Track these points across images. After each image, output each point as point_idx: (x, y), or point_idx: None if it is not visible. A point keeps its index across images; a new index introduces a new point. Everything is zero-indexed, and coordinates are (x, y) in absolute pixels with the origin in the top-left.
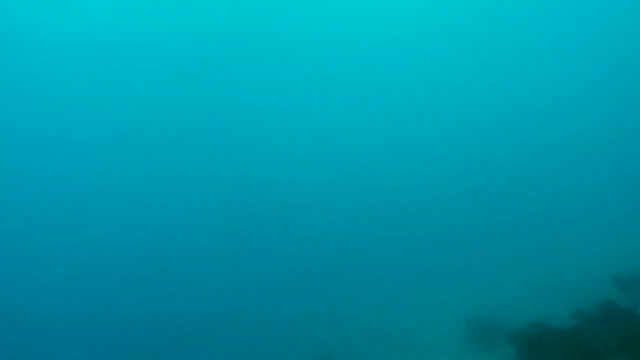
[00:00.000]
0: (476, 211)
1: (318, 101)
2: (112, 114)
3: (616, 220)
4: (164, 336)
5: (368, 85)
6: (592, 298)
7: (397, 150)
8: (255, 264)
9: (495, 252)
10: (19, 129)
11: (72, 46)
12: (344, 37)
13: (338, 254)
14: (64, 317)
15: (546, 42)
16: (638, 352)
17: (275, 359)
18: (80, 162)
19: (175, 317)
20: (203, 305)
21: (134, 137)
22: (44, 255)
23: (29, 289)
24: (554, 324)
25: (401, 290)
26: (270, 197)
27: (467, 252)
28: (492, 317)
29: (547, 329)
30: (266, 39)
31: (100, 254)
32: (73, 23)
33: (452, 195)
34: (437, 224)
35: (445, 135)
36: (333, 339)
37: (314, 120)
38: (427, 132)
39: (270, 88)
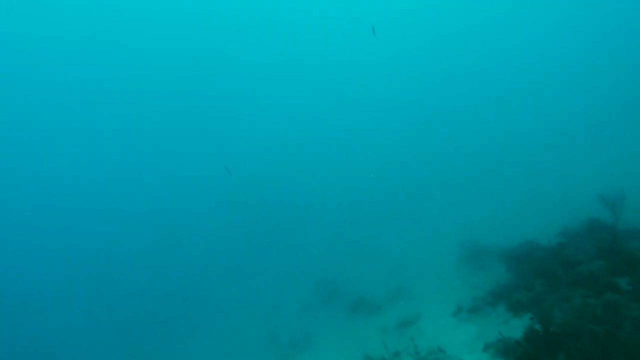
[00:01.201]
0: (467, 141)
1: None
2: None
3: (605, 143)
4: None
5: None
6: (579, 216)
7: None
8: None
9: (486, 180)
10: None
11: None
12: None
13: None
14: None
15: None
16: (613, 258)
17: (283, 283)
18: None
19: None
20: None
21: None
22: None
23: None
24: (542, 242)
25: (399, 221)
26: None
27: (461, 184)
28: (485, 240)
29: (535, 246)
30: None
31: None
32: None
33: (443, 128)
34: (432, 159)
35: (430, 73)
36: (335, 266)
37: None
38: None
39: None
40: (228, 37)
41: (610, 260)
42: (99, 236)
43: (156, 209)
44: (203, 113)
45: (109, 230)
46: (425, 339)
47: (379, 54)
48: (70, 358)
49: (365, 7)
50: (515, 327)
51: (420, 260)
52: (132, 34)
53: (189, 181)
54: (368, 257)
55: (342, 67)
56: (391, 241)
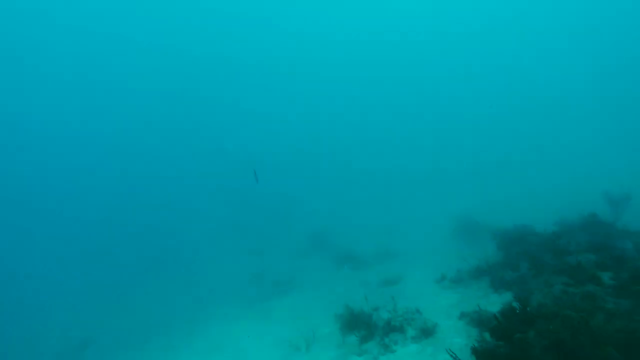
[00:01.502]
0: (485, 131)
1: None
2: None
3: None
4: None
5: None
6: (581, 210)
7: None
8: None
9: (497, 167)
10: None
11: None
12: None
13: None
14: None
15: None
16: (603, 253)
17: (278, 235)
18: None
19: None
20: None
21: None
22: None
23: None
24: (538, 228)
25: (404, 191)
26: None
27: (472, 168)
28: (482, 219)
29: (529, 231)
30: None
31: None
32: None
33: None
34: (450, 143)
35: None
36: (331, 222)
37: None
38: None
39: None
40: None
41: (599, 255)
42: (101, 190)
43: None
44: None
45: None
46: (406, 300)
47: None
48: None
49: None
50: (494, 302)
51: (415, 229)
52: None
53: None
54: (365, 218)
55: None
56: (392, 208)
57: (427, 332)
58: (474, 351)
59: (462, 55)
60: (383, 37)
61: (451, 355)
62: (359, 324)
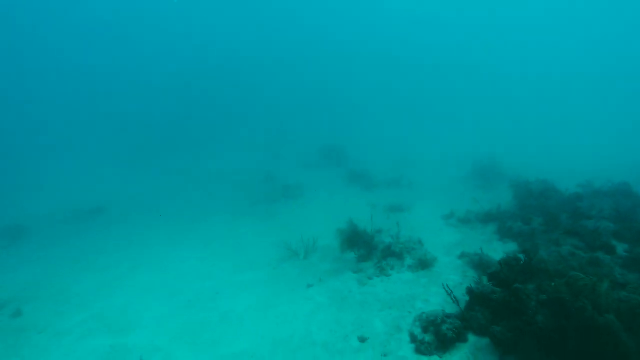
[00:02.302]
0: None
1: None
2: None
3: None
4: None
5: None
6: (612, 177)
7: None
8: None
9: (539, 120)
10: None
11: None
12: None
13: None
14: None
15: None
16: (625, 225)
17: (295, 143)
18: None
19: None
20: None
21: None
22: None
23: None
24: (560, 187)
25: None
26: None
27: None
28: (504, 166)
29: (551, 187)
30: None
31: None
32: None
33: None
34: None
35: None
36: (350, 139)
37: None
38: None
39: None
40: None
41: (620, 226)
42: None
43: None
44: None
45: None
46: (410, 229)
47: None
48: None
49: None
50: (496, 249)
51: (432, 162)
52: None
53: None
54: (384, 142)
55: None
56: (413, 137)
57: (424, 264)
58: (469, 291)
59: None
60: None
61: (446, 291)
62: (359, 243)
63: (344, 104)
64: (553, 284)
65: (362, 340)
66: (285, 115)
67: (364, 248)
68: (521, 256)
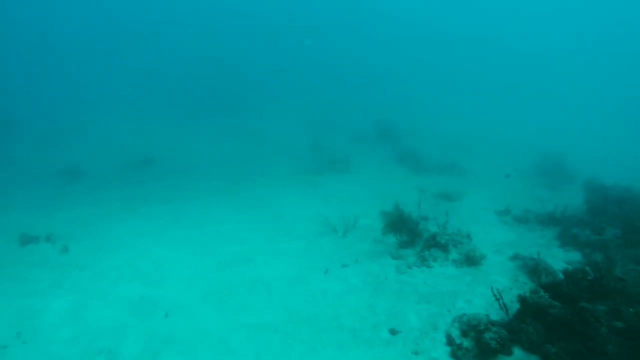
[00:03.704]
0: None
1: None
2: None
3: None
4: None
5: None
6: None
7: None
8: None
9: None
10: None
11: None
12: None
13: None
14: None
15: None
16: None
17: (345, 116)
18: None
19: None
20: None
21: None
22: None
23: None
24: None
25: (486, 105)
26: None
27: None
28: (578, 163)
29: (633, 195)
30: None
31: None
32: None
33: None
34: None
35: None
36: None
37: None
38: None
39: None
40: None
41: None
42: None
43: None
44: None
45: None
46: (459, 221)
47: None
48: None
49: None
50: (556, 257)
51: (491, 148)
52: None
53: None
54: (439, 122)
55: None
56: (472, 119)
57: (471, 260)
58: (522, 300)
59: None
60: None
61: (494, 294)
62: (402, 228)
63: (399, 79)
64: (632, 310)
65: (393, 332)
66: (341, 84)
67: (407, 234)
68: (589, 270)
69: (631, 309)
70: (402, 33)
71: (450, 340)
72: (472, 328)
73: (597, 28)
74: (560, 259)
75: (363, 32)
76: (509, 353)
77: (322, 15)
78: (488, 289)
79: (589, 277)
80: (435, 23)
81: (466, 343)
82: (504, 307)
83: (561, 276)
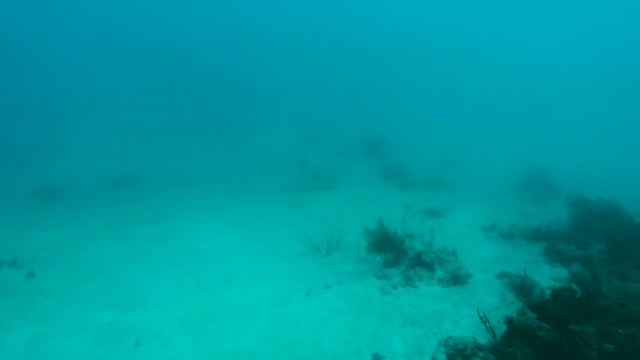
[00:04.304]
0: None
1: None
2: None
3: None
4: None
5: None
6: None
7: None
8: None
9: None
10: None
11: None
12: None
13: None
14: None
15: None
16: None
17: (332, 131)
18: None
19: None
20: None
21: None
22: None
23: None
24: (628, 209)
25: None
26: None
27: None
28: (563, 178)
29: (619, 210)
30: None
31: None
32: None
33: None
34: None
35: None
36: (386, 132)
37: None
38: None
39: None
40: None
41: None
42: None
43: None
44: None
45: None
46: (444, 237)
47: None
48: None
49: None
50: (543, 273)
51: (476, 165)
52: None
53: None
54: (425, 137)
55: None
56: (458, 134)
57: (457, 279)
58: (509, 322)
59: None
60: None
61: (481, 318)
62: (387, 246)
63: (386, 94)
64: (622, 331)
65: (377, 358)
66: (330, 99)
67: (392, 252)
68: (576, 287)
69: (621, 330)
70: (392, 47)
71: None
72: (458, 352)
73: (583, 43)
74: (547, 276)
75: (353, 47)
76: None
77: (313, 30)
78: (475, 310)
79: (577, 296)
80: (425, 39)
81: None
82: (491, 330)
83: (548, 295)
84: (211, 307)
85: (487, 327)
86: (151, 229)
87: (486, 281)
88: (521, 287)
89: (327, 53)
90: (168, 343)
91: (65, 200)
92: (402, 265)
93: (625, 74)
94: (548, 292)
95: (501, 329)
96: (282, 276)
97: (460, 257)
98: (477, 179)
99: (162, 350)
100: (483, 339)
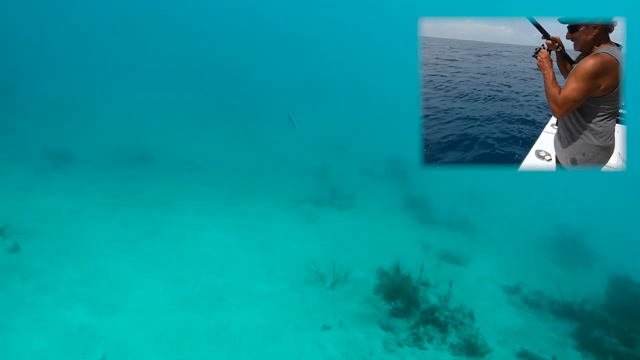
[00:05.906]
0: None
1: None
2: None
3: None
4: None
5: None
6: None
7: None
8: None
9: None
10: None
11: None
12: None
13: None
14: None
15: None
16: None
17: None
18: None
19: None
20: None
21: None
22: None
23: None
24: None
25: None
26: None
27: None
28: (595, 241)
29: None
30: None
31: None
32: None
33: None
34: None
35: None
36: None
37: None
38: None
39: None
40: None
41: None
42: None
43: None
44: None
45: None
46: (462, 291)
47: None
48: None
49: None
50: None
51: (510, 213)
52: None
53: None
54: (455, 170)
55: None
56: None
57: (471, 349)
58: None
59: None
60: None
61: None
62: (399, 293)
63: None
64: None
65: None
66: (361, 110)
67: (403, 301)
68: None
69: None
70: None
71: None
72: None
73: None
74: None
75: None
76: None
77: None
78: None
79: None
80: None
81: None
82: None
83: None
84: (195, 329)
85: None
86: (153, 217)
87: (504, 358)
88: None
89: (373, 64)
90: None
91: (74, 166)
92: (411, 318)
93: None
94: None
95: None
96: (279, 303)
97: (478, 319)
98: (504, 226)
99: None
100: None
